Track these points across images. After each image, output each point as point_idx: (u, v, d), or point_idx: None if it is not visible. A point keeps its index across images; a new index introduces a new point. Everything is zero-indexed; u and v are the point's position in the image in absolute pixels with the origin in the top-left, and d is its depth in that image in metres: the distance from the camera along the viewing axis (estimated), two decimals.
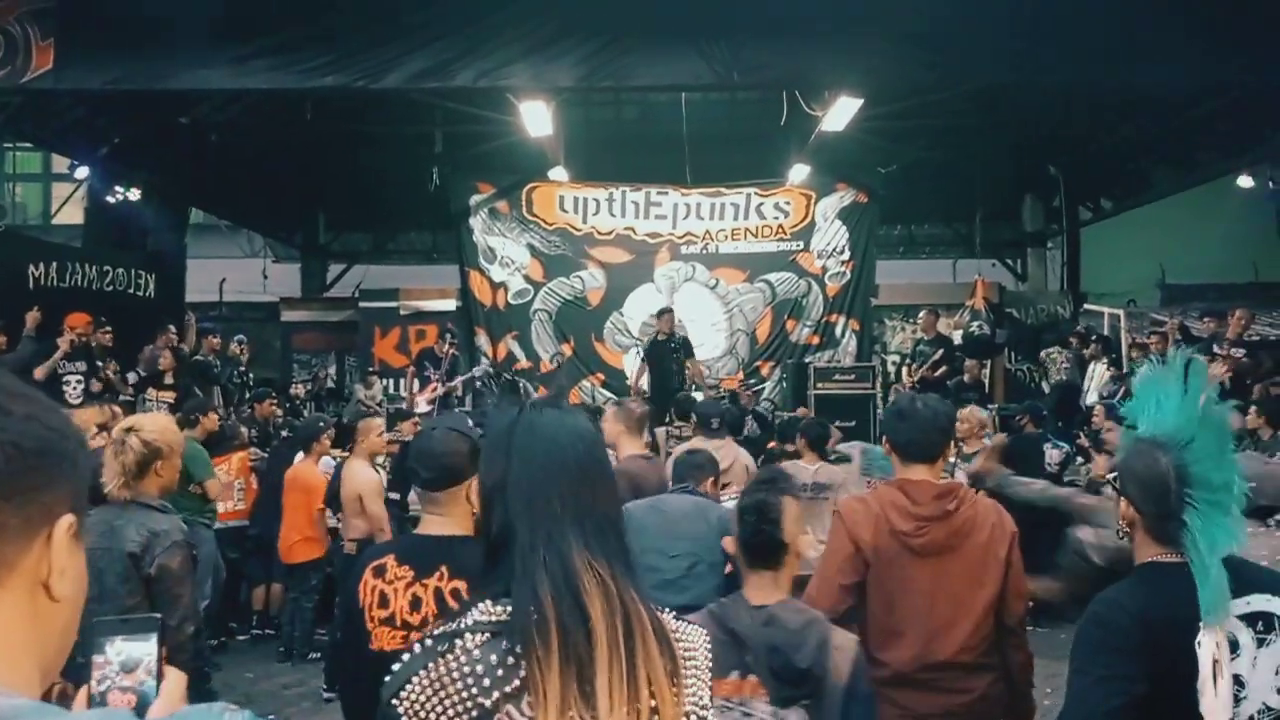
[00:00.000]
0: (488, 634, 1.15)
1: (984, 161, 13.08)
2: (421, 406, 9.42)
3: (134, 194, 10.75)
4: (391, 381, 12.56)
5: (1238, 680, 1.74)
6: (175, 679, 1.11)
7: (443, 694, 1.12)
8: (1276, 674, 1.76)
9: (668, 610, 1.27)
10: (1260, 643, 1.77)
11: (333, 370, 14.81)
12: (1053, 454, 7.57)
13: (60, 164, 11.74)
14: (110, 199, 10.71)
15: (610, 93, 11.55)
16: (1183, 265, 15.11)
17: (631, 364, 12.16)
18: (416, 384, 10.48)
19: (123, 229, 11.14)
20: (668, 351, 10.14)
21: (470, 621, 1.17)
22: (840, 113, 8.84)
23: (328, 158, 13.14)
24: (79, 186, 11.31)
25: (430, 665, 1.13)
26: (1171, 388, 1.88)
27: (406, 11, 6.98)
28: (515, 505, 1.21)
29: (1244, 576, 1.81)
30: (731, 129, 12.74)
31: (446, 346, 10.74)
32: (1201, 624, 1.73)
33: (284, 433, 8.07)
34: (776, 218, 12.90)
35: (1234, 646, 1.75)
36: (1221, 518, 1.76)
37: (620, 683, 1.11)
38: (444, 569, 2.03)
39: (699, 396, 10.22)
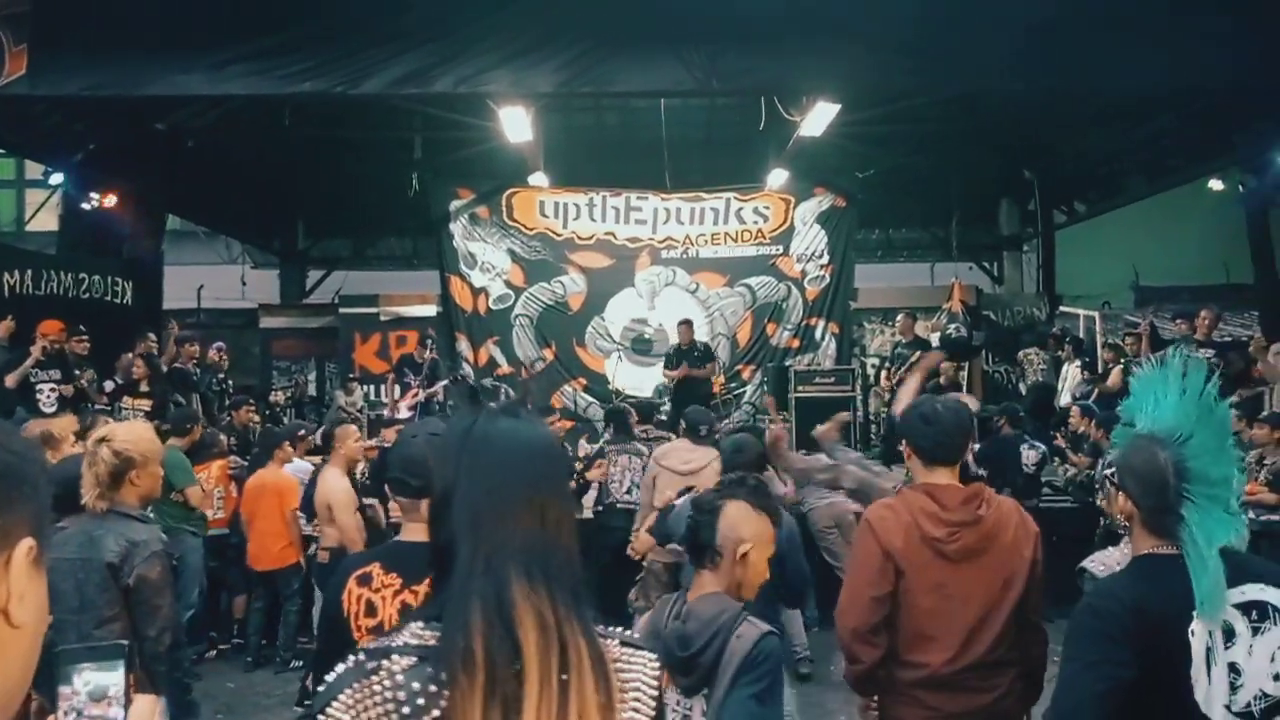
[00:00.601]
0: (415, 658, 1.11)
1: (960, 166, 13.22)
2: (403, 413, 9.39)
3: (110, 200, 10.65)
4: (372, 388, 12.51)
5: (1234, 668, 1.78)
6: (144, 705, 1.11)
7: (363, 716, 1.08)
8: (1272, 661, 1.80)
9: (615, 638, 1.22)
10: (1255, 631, 1.81)
11: (313, 377, 14.74)
12: (1029, 455, 7.65)
13: (34, 170, 11.60)
14: (86, 205, 10.60)
15: (590, 98, 11.56)
16: (1156, 267, 15.31)
17: (612, 368, 12.18)
18: (397, 390, 10.45)
19: (98, 236, 11.03)
20: (692, 360, 10.64)
21: (400, 642, 1.14)
22: (818, 118, 8.91)
23: (306, 164, 13.08)
24: (53, 193, 11.20)
25: (356, 684, 1.10)
26: (1170, 386, 1.93)
27: (385, 17, 6.97)
28: (459, 523, 1.16)
29: (1238, 566, 1.85)
30: (711, 134, 12.80)
31: (426, 352, 10.75)
32: (1195, 614, 1.77)
33: (260, 442, 8.02)
34: (756, 222, 12.97)
35: (1230, 635, 1.79)
36: (1220, 511, 1.81)
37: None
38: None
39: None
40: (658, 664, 1.23)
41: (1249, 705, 1.78)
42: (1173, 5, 6.60)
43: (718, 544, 2.22)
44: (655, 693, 1.20)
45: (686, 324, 11.12)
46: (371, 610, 2.01)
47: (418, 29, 6.92)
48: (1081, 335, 12.58)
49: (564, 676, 1.09)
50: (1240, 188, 12.29)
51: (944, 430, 2.66)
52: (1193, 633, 1.78)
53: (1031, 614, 2.64)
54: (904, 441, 2.78)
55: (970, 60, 7.03)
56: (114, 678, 1.13)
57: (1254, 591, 1.83)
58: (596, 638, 1.16)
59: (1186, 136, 10.92)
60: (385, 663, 1.11)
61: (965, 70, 7.17)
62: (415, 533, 2.11)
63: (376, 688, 1.09)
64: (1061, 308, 14.21)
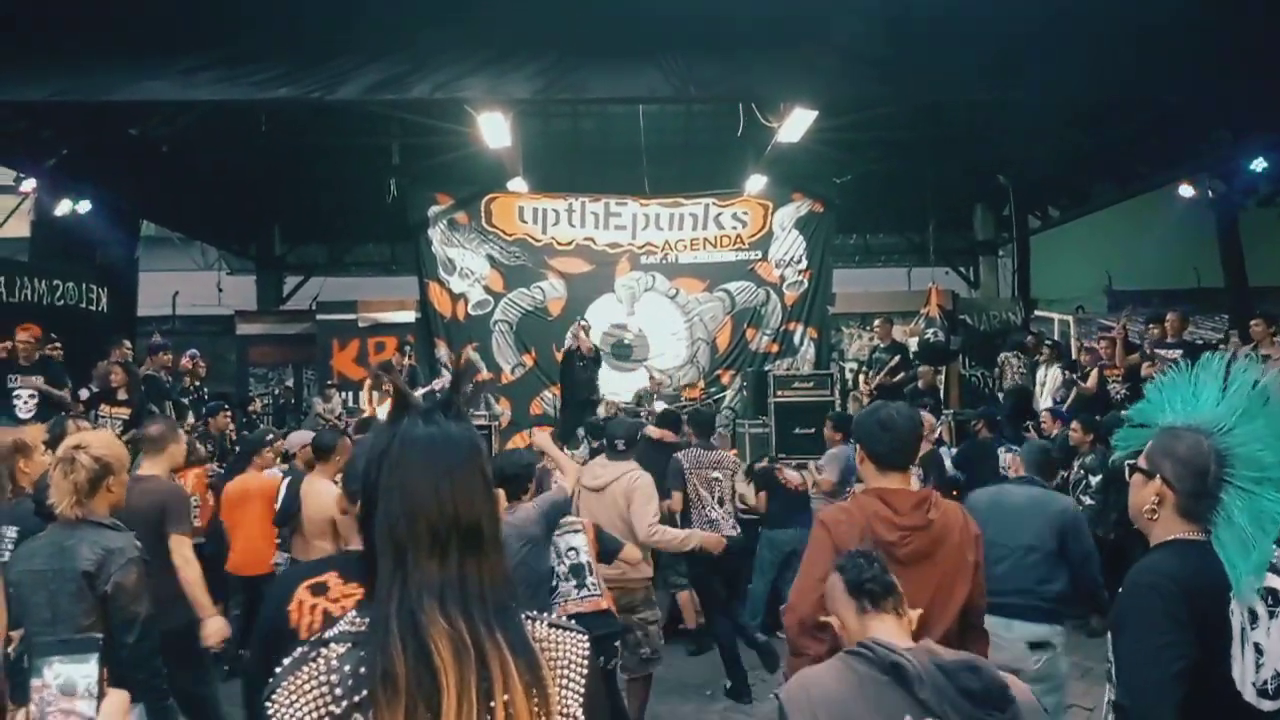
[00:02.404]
0: (349, 644, 1.17)
1: (936, 172, 13.33)
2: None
3: (83, 206, 10.54)
4: (350, 394, 12.44)
5: (1258, 648, 1.89)
6: (116, 699, 1.11)
7: (301, 700, 1.13)
8: None
9: (543, 621, 1.25)
10: (1272, 615, 1.91)
11: (290, 383, 14.63)
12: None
13: (4, 176, 11.46)
14: (58, 212, 10.49)
15: (568, 104, 11.58)
16: (1128, 272, 15.52)
17: None
18: (374, 397, 10.37)
19: (71, 242, 10.91)
20: (576, 368, 10.30)
21: (336, 631, 1.19)
22: (795, 124, 8.97)
23: (283, 169, 13.00)
24: (24, 199, 11.05)
25: (297, 671, 1.15)
26: (1206, 386, 2.04)
27: (361, 23, 6.94)
28: (380, 539, 1.19)
29: None
30: (689, 140, 12.85)
31: (405, 360, 10.69)
32: (1233, 594, 1.88)
33: (239, 448, 7.94)
34: (735, 228, 13.03)
35: (1254, 618, 1.90)
36: (1273, 493, 1.89)
37: None
38: None
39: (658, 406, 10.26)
40: (587, 643, 1.26)
41: (1266, 684, 1.88)
42: (1137, 15, 6.70)
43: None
44: (585, 669, 1.23)
45: (586, 332, 10.67)
46: (330, 621, 1.91)
47: (393, 35, 6.90)
48: (1057, 339, 12.72)
49: (487, 689, 1.12)
50: (1209, 193, 12.50)
51: (899, 437, 2.72)
52: (1232, 612, 1.89)
53: (974, 615, 2.70)
54: (858, 446, 2.83)
55: (943, 69, 7.11)
56: (86, 670, 1.12)
57: (1267, 579, 1.92)
58: (525, 640, 1.19)
59: (1155, 143, 11.08)
60: (323, 650, 1.17)
61: (939, 78, 7.24)
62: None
63: (313, 670, 1.15)
64: (1036, 312, 14.36)
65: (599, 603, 4.22)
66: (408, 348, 11.10)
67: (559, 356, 11.67)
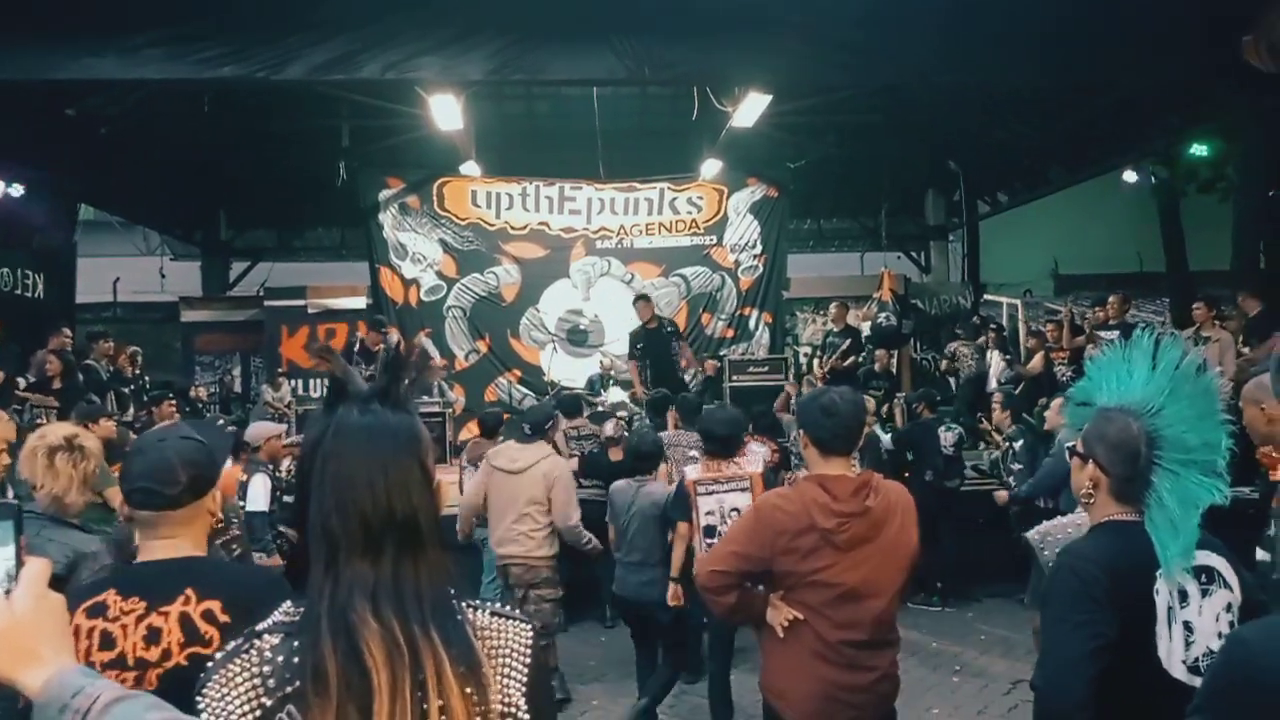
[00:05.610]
0: (283, 634, 1.14)
1: (888, 158, 13.47)
2: None
3: (16, 190, 10.18)
4: (300, 382, 12.22)
5: (1188, 627, 1.92)
6: (36, 566, 1.04)
7: (233, 693, 1.10)
8: (1217, 621, 1.94)
9: (485, 609, 1.22)
10: (1204, 593, 1.94)
11: (237, 372, 14.34)
12: (946, 436, 7.86)
13: None
14: None
15: (521, 86, 11.45)
16: (1074, 257, 15.91)
17: (547, 360, 12.11)
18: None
19: (6, 226, 10.55)
20: (660, 340, 9.90)
21: (270, 622, 1.16)
22: (750, 109, 8.98)
23: (229, 152, 12.68)
24: None
25: (229, 664, 1.13)
26: (1137, 365, 2.04)
27: (311, 2, 6.78)
28: (312, 533, 1.16)
29: None
30: (644, 124, 12.80)
31: (378, 336, 10.16)
32: (1159, 574, 1.90)
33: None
34: (690, 212, 13.03)
35: (1184, 596, 1.93)
36: (1198, 475, 1.92)
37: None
38: (190, 592, 1.75)
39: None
40: (530, 632, 1.23)
41: (1197, 661, 1.91)
42: (1088, 4, 6.81)
43: None
44: (527, 658, 1.21)
45: (645, 300, 10.30)
46: (108, 643, 1.73)
47: (343, 13, 6.74)
48: (1004, 322, 12.97)
49: (421, 690, 1.10)
50: (1152, 179, 12.83)
51: (842, 422, 2.74)
52: (1157, 592, 1.91)
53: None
54: (801, 431, 2.85)
55: (897, 54, 7.16)
56: (6, 554, 1.03)
57: (1202, 557, 1.96)
58: (463, 636, 1.15)
59: (1103, 130, 11.31)
60: (256, 642, 1.14)
61: (892, 63, 7.29)
62: (159, 550, 1.85)
63: (245, 663, 1.12)
64: (985, 296, 14.63)
65: None
66: (379, 326, 10.36)
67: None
